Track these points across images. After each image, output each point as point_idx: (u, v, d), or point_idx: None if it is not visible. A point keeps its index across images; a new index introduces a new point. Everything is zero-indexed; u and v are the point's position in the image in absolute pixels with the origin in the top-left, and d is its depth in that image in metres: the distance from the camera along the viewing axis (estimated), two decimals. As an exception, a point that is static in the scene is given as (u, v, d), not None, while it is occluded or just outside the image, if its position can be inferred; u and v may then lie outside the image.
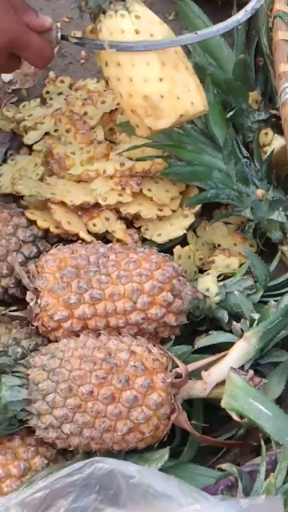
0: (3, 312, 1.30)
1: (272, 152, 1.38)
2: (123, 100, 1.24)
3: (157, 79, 1.21)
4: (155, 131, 1.24)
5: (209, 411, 1.24)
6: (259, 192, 1.36)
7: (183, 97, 1.22)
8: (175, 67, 1.23)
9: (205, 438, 1.21)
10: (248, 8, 1.27)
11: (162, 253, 1.29)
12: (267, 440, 1.11)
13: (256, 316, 1.23)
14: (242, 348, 1.20)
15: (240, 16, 1.27)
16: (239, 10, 1.51)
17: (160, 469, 1.16)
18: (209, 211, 1.45)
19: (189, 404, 1.24)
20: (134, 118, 1.24)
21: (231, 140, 1.35)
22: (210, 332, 1.29)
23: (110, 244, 1.29)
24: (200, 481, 1.18)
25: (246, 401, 1.10)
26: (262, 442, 1.09)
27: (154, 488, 1.02)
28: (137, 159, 1.39)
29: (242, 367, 1.20)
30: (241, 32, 1.46)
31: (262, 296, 1.30)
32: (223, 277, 1.34)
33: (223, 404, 1.13)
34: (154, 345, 1.20)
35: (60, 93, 1.56)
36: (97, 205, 1.38)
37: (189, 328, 1.32)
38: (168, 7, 1.67)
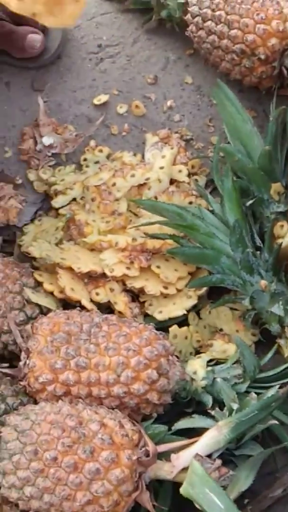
0: (-5, 367, 1.34)
1: (280, 244, 1.38)
2: None
3: None
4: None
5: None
6: (263, 282, 1.35)
7: None
8: None
9: (165, 522, 1.20)
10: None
11: (157, 331, 1.30)
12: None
13: (235, 406, 1.23)
14: (213, 436, 1.19)
15: None
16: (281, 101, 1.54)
17: None
18: (218, 294, 1.45)
19: (161, 484, 1.24)
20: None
21: (240, 228, 1.35)
22: (193, 416, 1.29)
23: (106, 315, 1.32)
24: None
25: (202, 491, 1.09)
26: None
27: None
28: (150, 236, 1.42)
29: (210, 455, 1.19)
30: (273, 123, 1.47)
31: (250, 387, 1.30)
32: (215, 363, 1.34)
33: (181, 490, 1.13)
34: (130, 421, 1.21)
35: (96, 162, 1.59)
36: (105, 275, 1.40)
37: (177, 408, 1.32)
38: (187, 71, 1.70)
